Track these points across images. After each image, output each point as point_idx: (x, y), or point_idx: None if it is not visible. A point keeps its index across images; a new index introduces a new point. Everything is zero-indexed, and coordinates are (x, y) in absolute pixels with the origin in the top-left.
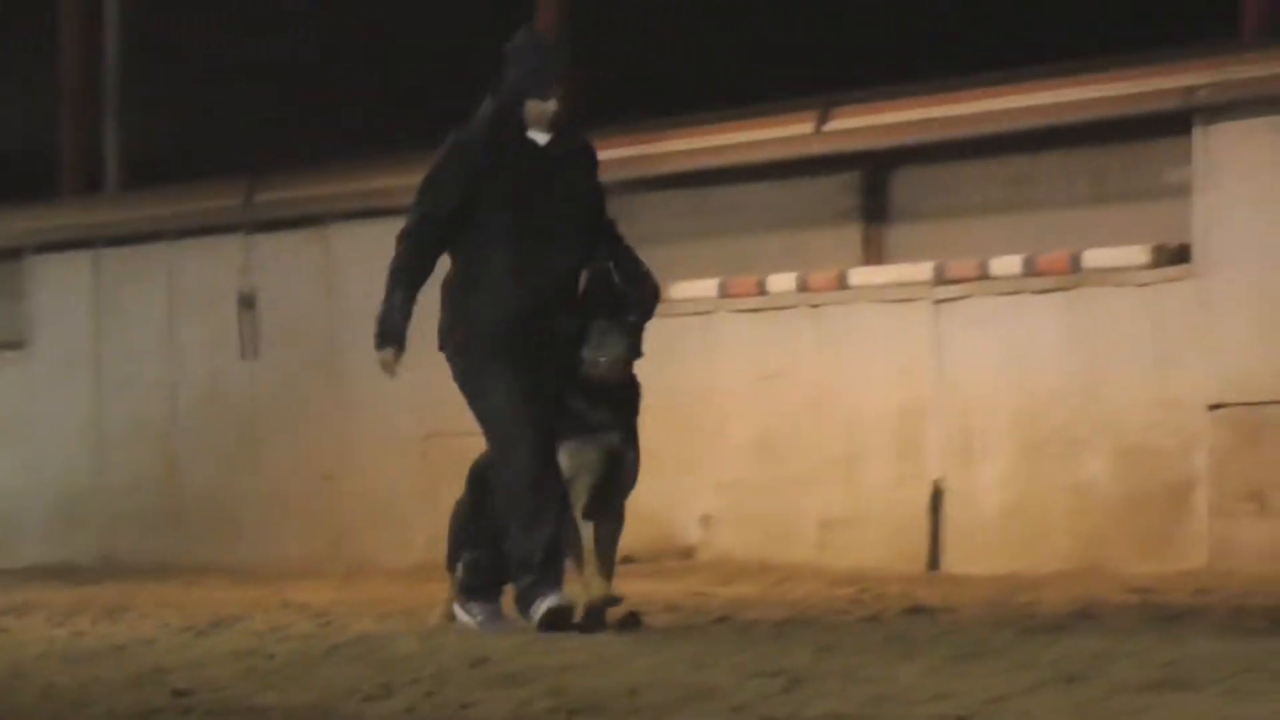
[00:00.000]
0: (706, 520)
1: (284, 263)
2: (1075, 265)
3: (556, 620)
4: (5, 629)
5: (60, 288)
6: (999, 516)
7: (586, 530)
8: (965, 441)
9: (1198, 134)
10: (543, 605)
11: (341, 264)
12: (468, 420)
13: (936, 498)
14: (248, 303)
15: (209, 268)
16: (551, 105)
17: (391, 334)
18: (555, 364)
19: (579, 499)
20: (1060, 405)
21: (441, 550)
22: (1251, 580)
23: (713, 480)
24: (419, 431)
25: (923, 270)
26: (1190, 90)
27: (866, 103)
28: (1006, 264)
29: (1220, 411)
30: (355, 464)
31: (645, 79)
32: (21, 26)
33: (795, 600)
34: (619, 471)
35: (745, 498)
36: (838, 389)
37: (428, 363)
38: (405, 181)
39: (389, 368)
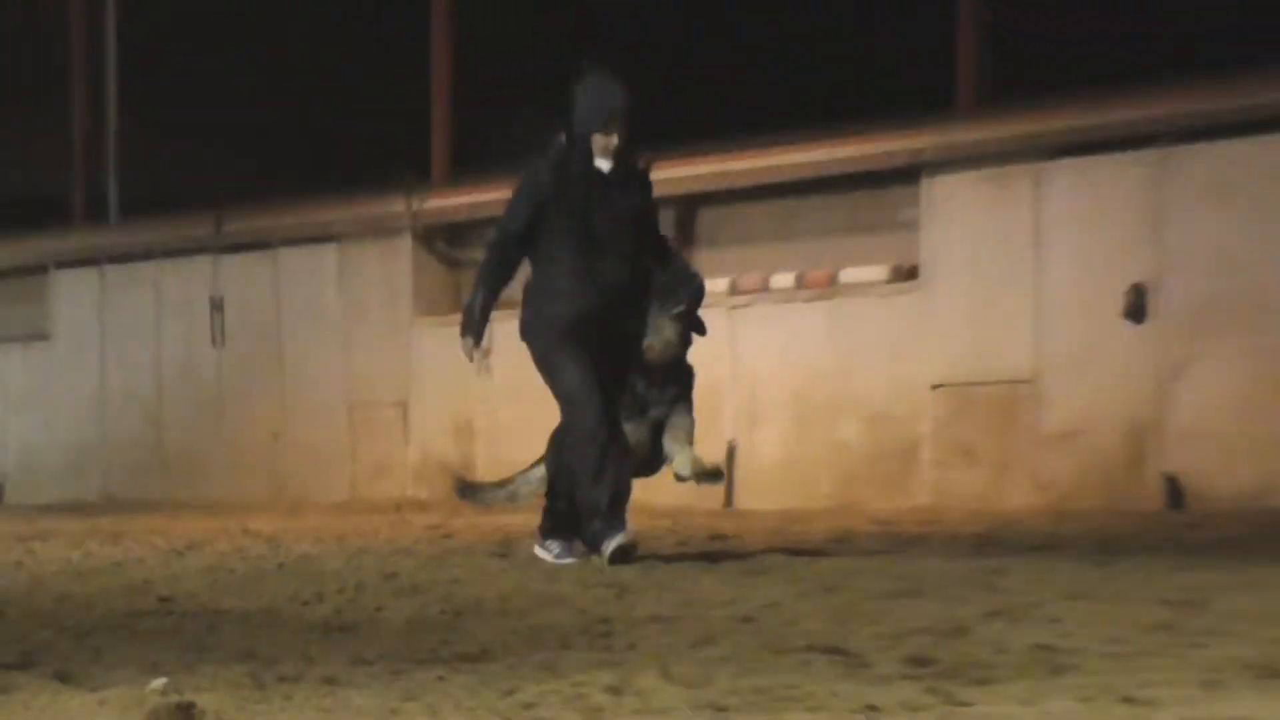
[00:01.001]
0: None
1: (243, 277)
2: (834, 281)
3: (622, 556)
4: (31, 551)
5: (74, 295)
6: (777, 467)
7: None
8: (752, 411)
9: (924, 183)
10: (611, 544)
11: (287, 278)
12: (383, 392)
13: (731, 453)
14: (217, 306)
15: (187, 280)
16: (614, 139)
17: (469, 327)
18: (618, 353)
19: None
20: (823, 384)
21: (360, 493)
22: (963, 515)
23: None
24: (345, 401)
25: (721, 284)
26: (918, 151)
27: (680, 157)
28: (782, 279)
29: (939, 390)
30: (295, 426)
31: (485, 139)
32: (42, 93)
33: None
34: (671, 428)
35: None
36: None
37: (353, 346)
38: (338, 215)
39: (468, 353)
